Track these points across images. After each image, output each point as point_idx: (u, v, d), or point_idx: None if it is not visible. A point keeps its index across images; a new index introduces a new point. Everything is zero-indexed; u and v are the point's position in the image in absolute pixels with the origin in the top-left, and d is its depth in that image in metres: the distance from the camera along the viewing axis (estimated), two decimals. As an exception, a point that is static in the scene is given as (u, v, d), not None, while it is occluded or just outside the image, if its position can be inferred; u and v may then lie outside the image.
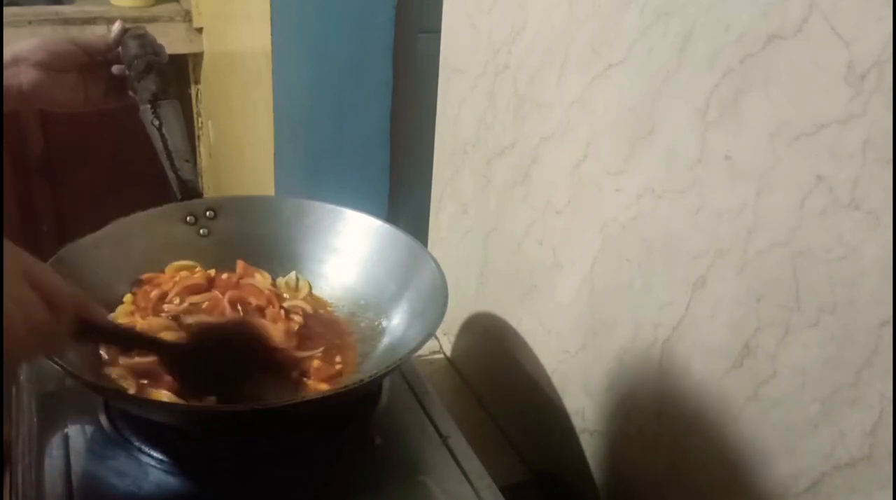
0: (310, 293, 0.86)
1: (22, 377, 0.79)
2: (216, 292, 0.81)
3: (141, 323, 0.76)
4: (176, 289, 0.81)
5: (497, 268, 0.98)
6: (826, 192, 0.55)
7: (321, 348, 0.78)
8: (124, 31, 0.85)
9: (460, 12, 0.98)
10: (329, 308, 0.85)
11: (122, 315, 0.78)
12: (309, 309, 0.83)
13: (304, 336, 0.79)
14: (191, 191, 0.84)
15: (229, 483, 0.69)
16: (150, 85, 0.83)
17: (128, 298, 0.81)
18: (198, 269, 0.84)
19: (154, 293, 0.80)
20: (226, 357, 0.70)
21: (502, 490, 0.70)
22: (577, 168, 0.80)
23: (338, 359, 0.77)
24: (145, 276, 0.83)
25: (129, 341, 0.71)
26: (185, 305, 0.80)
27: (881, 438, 0.54)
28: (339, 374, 0.76)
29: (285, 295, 0.84)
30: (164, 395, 0.69)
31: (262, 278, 0.85)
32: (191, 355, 0.70)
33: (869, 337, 0.53)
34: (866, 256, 0.53)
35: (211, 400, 0.68)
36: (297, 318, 0.80)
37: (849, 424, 0.56)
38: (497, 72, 0.91)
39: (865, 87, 0.51)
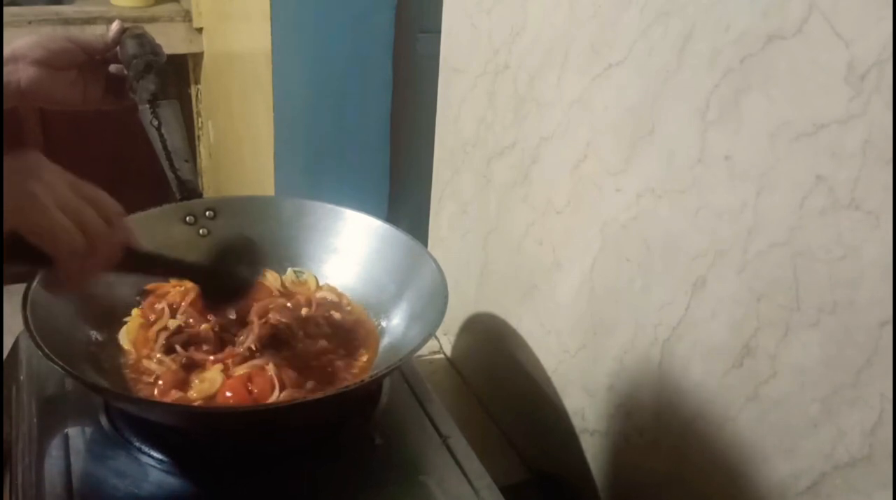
0: (320, 286, 0.87)
1: (22, 377, 0.79)
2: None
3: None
4: (185, 304, 0.80)
5: (497, 268, 0.98)
6: (826, 192, 0.55)
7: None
8: (123, 31, 0.85)
9: (460, 12, 0.98)
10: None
11: (132, 331, 0.79)
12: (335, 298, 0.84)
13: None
14: (190, 191, 0.84)
15: (229, 483, 0.69)
16: (149, 85, 0.83)
17: (135, 312, 0.81)
18: None
19: (160, 306, 0.80)
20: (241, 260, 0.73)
21: (502, 490, 0.70)
22: (577, 168, 0.80)
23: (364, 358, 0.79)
24: (150, 286, 0.83)
25: (163, 265, 0.72)
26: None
27: (881, 438, 0.54)
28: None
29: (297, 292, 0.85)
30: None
31: (272, 278, 0.85)
32: (216, 269, 0.72)
33: (869, 337, 0.53)
34: (866, 256, 0.53)
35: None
36: (336, 315, 0.82)
37: (849, 424, 0.56)
38: (497, 72, 0.91)
39: (865, 87, 0.51)
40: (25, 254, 0.55)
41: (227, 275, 0.72)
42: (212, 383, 0.72)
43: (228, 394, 0.71)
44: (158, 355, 0.75)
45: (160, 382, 0.73)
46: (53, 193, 0.55)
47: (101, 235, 0.57)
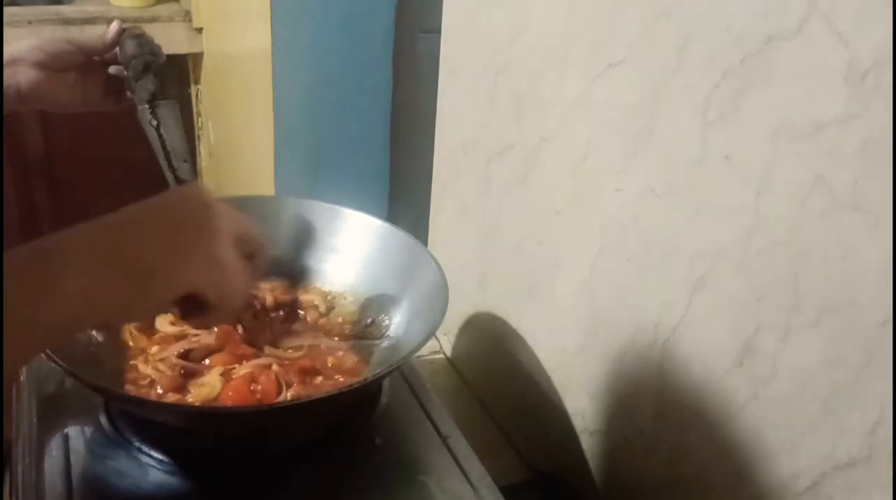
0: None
1: (23, 377, 0.79)
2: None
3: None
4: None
5: (497, 268, 0.98)
6: (826, 192, 0.55)
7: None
8: (121, 32, 0.85)
9: (460, 12, 0.98)
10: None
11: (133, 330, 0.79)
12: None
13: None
14: None
15: (229, 483, 0.69)
16: (148, 85, 0.82)
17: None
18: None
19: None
20: None
21: (502, 490, 0.70)
22: (577, 168, 0.80)
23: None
24: None
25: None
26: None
27: (881, 438, 0.54)
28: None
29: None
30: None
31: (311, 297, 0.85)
32: None
33: (869, 337, 0.53)
34: (866, 256, 0.53)
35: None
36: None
37: (849, 424, 0.56)
38: (497, 72, 0.91)
39: (865, 87, 0.51)
40: (194, 309, 0.55)
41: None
42: (211, 387, 0.72)
43: (230, 393, 0.71)
44: (160, 364, 0.74)
45: (159, 389, 0.72)
46: (229, 253, 0.54)
47: (249, 285, 0.57)
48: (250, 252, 0.57)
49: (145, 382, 0.73)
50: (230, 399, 0.71)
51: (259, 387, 0.71)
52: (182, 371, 0.74)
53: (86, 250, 0.48)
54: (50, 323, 0.47)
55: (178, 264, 0.51)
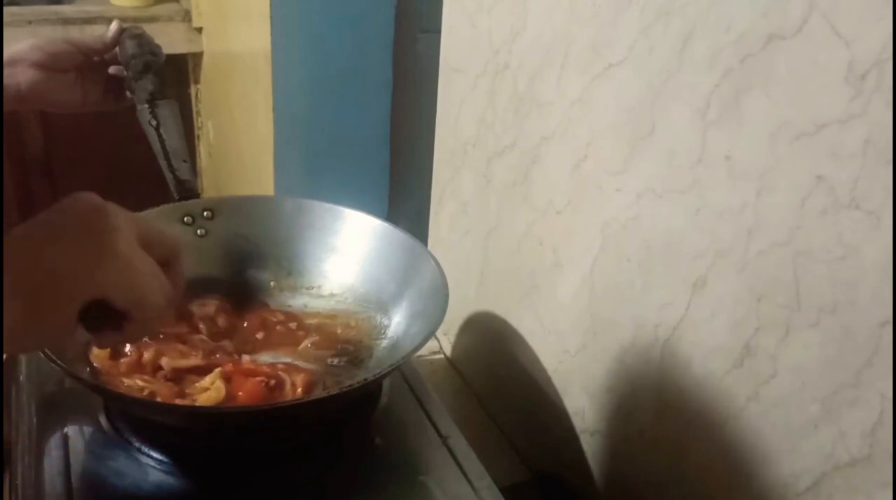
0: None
1: (22, 377, 0.78)
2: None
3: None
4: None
5: (497, 268, 0.98)
6: (826, 192, 0.55)
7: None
8: (121, 31, 0.85)
9: (460, 12, 0.98)
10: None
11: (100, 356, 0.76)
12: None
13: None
14: (188, 191, 0.84)
15: (229, 483, 0.69)
16: (147, 85, 0.83)
17: None
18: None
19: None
20: None
21: (502, 490, 0.70)
22: (577, 168, 0.80)
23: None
24: None
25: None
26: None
27: (881, 438, 0.54)
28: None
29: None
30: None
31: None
32: None
33: (869, 337, 0.53)
34: (867, 256, 0.53)
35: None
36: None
37: (849, 424, 0.56)
38: (497, 71, 0.91)
39: (865, 87, 0.51)
40: (104, 321, 0.50)
41: None
42: (217, 390, 0.71)
43: (240, 394, 0.70)
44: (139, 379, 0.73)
45: (158, 398, 0.71)
46: (135, 252, 0.50)
47: (167, 292, 0.52)
48: (164, 259, 0.53)
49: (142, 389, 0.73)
50: (242, 400, 0.70)
51: (273, 383, 0.71)
52: (168, 377, 0.73)
53: None
54: None
55: (78, 267, 0.47)
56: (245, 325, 0.81)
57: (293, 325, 0.82)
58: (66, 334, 0.47)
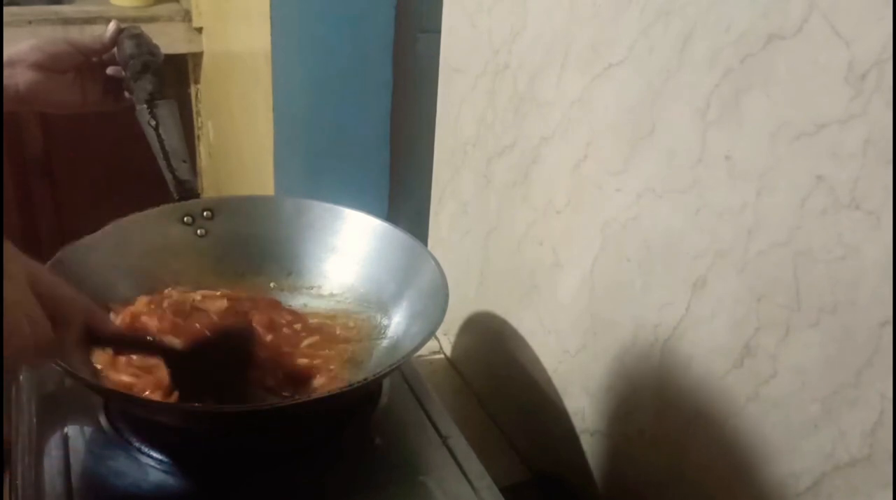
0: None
1: (22, 377, 0.79)
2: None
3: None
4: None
5: (497, 268, 0.98)
6: (826, 192, 0.55)
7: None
8: (119, 31, 0.85)
9: (460, 12, 0.98)
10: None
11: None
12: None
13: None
14: (188, 191, 0.84)
15: (229, 483, 0.69)
16: (146, 85, 0.83)
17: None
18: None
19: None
20: (224, 360, 0.70)
21: (502, 490, 0.70)
22: (577, 168, 0.80)
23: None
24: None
25: (134, 345, 0.71)
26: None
27: (881, 438, 0.54)
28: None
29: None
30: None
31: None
32: (191, 358, 0.69)
33: (869, 337, 0.53)
34: (866, 256, 0.53)
35: (209, 402, 0.67)
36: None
37: (849, 424, 0.56)
38: (497, 71, 0.91)
39: (865, 87, 0.51)
40: None
41: (204, 367, 0.69)
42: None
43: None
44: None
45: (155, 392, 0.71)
46: (17, 291, 0.52)
47: (49, 339, 0.55)
48: (58, 316, 0.55)
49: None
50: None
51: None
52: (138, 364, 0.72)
53: None
54: None
55: None
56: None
57: (298, 326, 0.82)
58: None
